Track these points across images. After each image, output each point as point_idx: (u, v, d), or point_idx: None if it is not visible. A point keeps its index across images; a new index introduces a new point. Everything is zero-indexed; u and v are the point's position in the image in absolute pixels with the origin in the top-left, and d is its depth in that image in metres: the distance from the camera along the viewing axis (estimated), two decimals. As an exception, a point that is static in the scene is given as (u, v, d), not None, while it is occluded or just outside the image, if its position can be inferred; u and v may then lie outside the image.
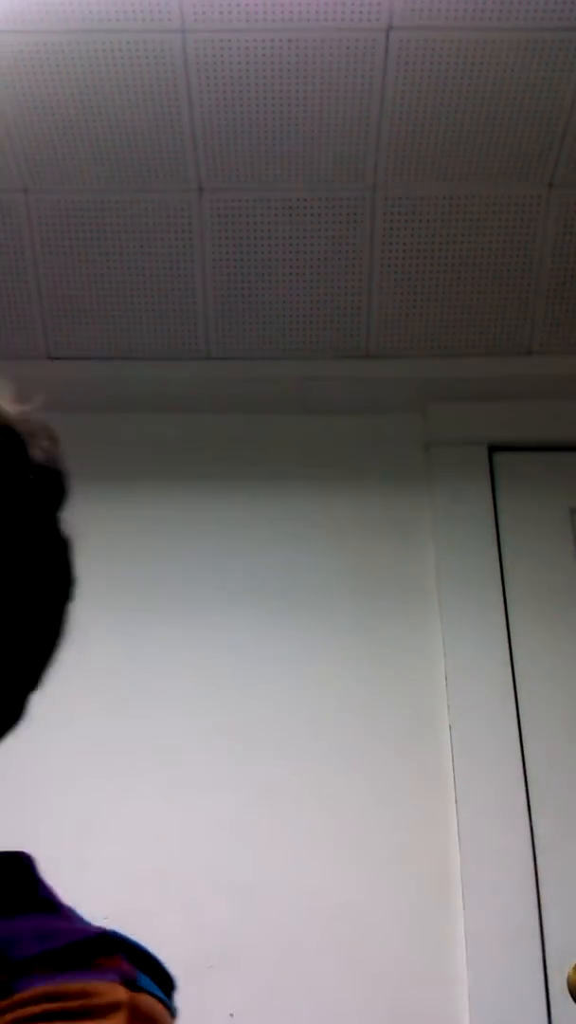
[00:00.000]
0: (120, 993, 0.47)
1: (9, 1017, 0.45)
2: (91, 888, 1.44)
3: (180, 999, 0.68)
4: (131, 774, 1.57)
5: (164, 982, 0.55)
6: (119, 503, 1.83)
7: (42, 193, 1.78)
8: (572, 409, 1.89)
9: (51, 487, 0.61)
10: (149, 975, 0.53)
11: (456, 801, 1.53)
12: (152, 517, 1.82)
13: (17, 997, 0.46)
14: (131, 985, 0.49)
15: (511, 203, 1.79)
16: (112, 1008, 0.46)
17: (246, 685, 1.65)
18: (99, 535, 1.78)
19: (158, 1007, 0.50)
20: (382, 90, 1.66)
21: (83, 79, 1.65)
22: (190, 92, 1.66)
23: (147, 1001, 0.49)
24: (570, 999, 1.36)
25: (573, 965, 1.38)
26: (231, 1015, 1.38)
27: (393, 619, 1.71)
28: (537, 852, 1.49)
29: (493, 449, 1.88)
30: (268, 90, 1.66)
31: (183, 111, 1.68)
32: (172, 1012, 0.53)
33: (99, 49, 1.62)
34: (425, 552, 1.77)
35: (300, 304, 1.88)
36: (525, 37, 1.60)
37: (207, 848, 1.51)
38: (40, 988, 0.46)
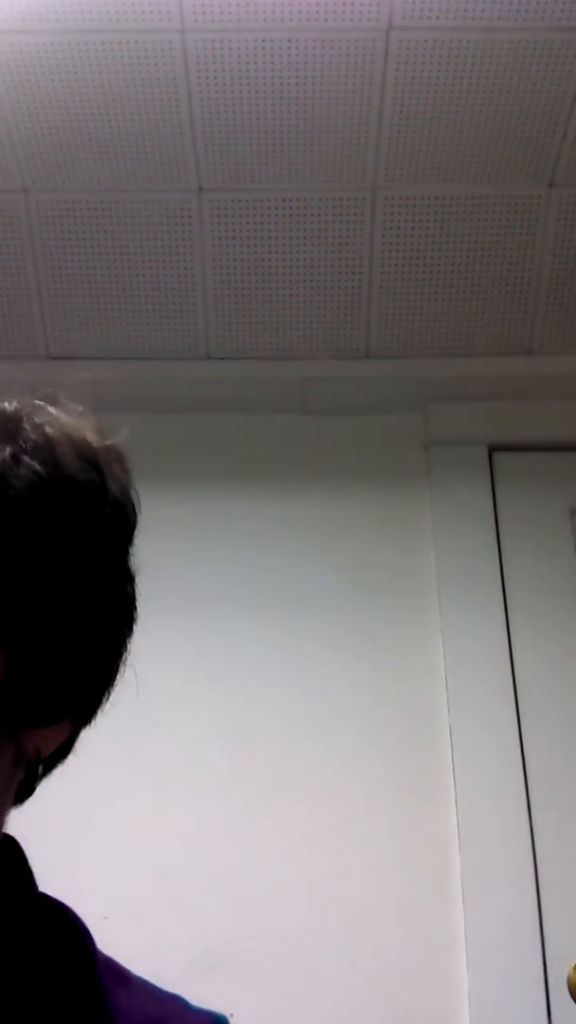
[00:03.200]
0: None
1: None
2: (91, 888, 1.44)
3: (180, 999, 0.68)
4: (131, 774, 1.57)
5: None
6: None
7: (42, 193, 1.78)
8: (572, 409, 1.89)
9: (124, 519, 0.61)
10: None
11: (456, 801, 1.53)
12: (151, 517, 1.81)
13: None
14: None
15: (511, 203, 1.79)
16: None
17: (245, 684, 1.65)
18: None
19: None
20: (382, 90, 1.66)
21: (83, 79, 1.65)
22: (190, 92, 1.66)
23: None
24: (570, 999, 1.36)
25: (573, 965, 1.38)
26: (231, 1015, 1.38)
27: (393, 619, 1.71)
28: (537, 852, 1.49)
29: (493, 449, 1.88)
30: (268, 90, 1.66)
31: (183, 111, 1.68)
32: None
33: (99, 49, 1.62)
34: (425, 552, 1.77)
35: (300, 304, 1.88)
36: (525, 37, 1.60)
37: (207, 848, 1.51)
38: None
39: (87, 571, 0.57)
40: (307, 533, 1.79)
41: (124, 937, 1.45)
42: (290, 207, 1.79)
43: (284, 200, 1.78)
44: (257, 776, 1.57)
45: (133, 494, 0.62)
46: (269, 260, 1.84)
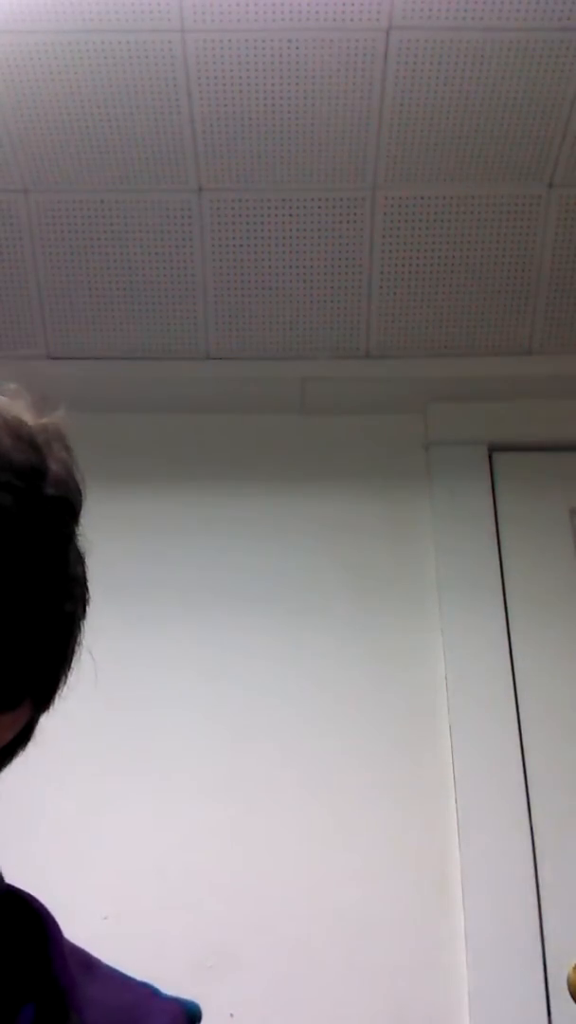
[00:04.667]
0: None
1: None
2: (91, 888, 1.45)
3: (180, 999, 0.68)
4: (130, 772, 1.57)
5: None
6: (118, 503, 1.83)
7: (42, 193, 1.78)
8: (572, 409, 1.89)
9: (67, 501, 0.60)
10: None
11: (456, 801, 1.53)
12: (151, 517, 1.82)
13: None
14: None
15: (511, 203, 1.79)
16: None
17: (246, 684, 1.65)
18: (97, 535, 1.78)
19: None
20: (382, 91, 1.66)
21: (83, 79, 1.65)
22: (190, 92, 1.66)
23: None
24: (570, 999, 1.36)
25: (573, 965, 1.38)
26: (231, 1015, 1.38)
27: (393, 619, 1.71)
28: (537, 852, 1.49)
29: (493, 449, 1.88)
30: (268, 90, 1.66)
31: (183, 111, 1.68)
32: None
33: (99, 49, 1.62)
34: (425, 552, 1.77)
35: (300, 304, 1.88)
36: (525, 37, 1.60)
37: (207, 847, 1.51)
38: None
39: (28, 552, 0.56)
40: (307, 533, 1.79)
41: (124, 937, 1.46)
42: (290, 207, 1.79)
43: (284, 200, 1.78)
44: (257, 776, 1.57)
45: (77, 474, 0.61)
46: (269, 260, 1.84)
